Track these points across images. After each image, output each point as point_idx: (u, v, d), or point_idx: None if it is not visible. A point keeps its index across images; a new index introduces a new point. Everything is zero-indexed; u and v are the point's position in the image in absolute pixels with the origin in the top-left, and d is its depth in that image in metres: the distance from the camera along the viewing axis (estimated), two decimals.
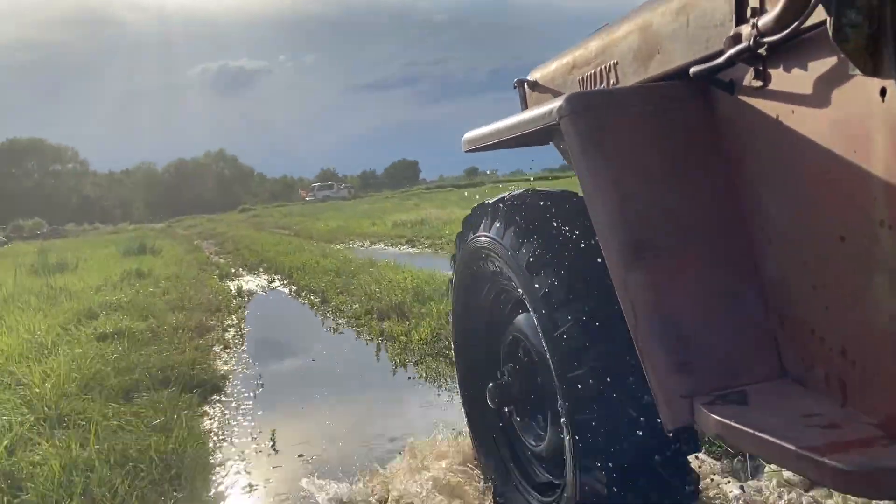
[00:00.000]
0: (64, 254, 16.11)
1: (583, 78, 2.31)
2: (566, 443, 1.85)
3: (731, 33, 1.43)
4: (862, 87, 1.17)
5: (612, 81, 2.10)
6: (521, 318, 2.31)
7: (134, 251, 16.46)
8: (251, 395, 4.74)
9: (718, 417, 1.38)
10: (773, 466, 2.46)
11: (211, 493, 3.15)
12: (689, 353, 1.50)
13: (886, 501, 1.46)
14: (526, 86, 2.85)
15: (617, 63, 2.06)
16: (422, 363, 5.08)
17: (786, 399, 1.44)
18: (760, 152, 1.51)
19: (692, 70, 1.59)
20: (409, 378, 4.84)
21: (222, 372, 5.30)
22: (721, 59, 1.46)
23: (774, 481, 2.49)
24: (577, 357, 1.72)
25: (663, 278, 1.54)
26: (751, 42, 1.35)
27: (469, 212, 2.45)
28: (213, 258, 16.43)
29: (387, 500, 2.85)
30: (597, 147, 1.61)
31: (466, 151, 2.64)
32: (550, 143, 2.31)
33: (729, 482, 2.61)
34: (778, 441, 1.23)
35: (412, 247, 14.78)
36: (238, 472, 3.39)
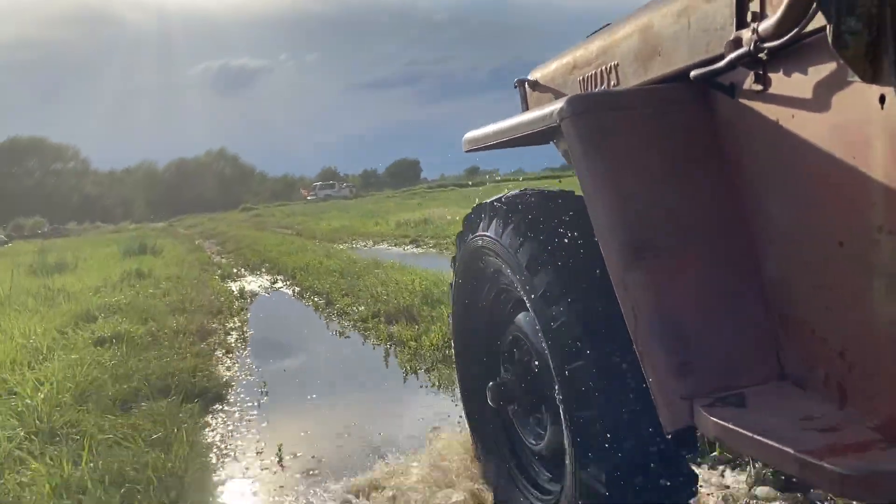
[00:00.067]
0: (64, 253, 15.91)
1: (583, 78, 2.31)
2: (566, 441, 1.86)
3: (732, 37, 1.44)
4: (861, 94, 1.18)
5: (612, 82, 2.10)
6: (520, 317, 2.31)
7: (134, 251, 16.28)
8: (255, 404, 4.54)
9: (717, 420, 1.38)
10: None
11: None
12: (688, 354, 1.50)
13: None
14: (526, 85, 2.86)
15: (617, 64, 2.06)
16: (434, 370, 4.84)
17: (785, 401, 1.44)
18: (759, 155, 1.52)
19: (693, 73, 1.59)
20: (422, 387, 4.61)
21: (225, 379, 5.10)
22: (722, 63, 1.46)
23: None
24: (576, 355, 1.73)
25: (663, 279, 1.54)
26: (751, 46, 1.36)
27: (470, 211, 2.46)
28: (214, 258, 16.32)
29: None
30: (597, 148, 1.62)
31: (467, 151, 2.65)
32: (551, 142, 2.32)
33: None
34: (776, 444, 1.24)
35: (416, 247, 14.61)
36: (243, 494, 3.21)
